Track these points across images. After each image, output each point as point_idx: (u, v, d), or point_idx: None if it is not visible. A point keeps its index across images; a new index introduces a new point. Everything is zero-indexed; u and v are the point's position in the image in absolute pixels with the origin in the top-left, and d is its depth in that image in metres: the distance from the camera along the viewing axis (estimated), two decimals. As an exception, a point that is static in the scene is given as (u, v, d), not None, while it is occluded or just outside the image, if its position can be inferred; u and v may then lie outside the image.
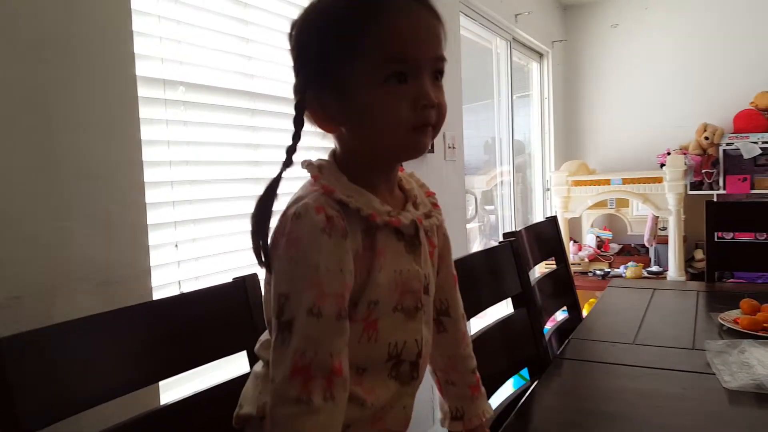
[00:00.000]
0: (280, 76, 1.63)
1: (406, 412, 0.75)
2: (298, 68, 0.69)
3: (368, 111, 0.65)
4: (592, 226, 4.07)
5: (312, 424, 0.58)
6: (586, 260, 3.85)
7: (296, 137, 0.69)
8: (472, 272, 1.29)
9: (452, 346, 0.85)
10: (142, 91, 1.24)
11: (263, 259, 0.66)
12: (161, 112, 1.30)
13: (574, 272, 3.74)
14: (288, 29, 0.71)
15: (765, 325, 1.41)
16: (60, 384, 0.72)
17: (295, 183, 0.73)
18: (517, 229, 1.59)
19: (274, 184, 0.68)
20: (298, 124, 0.68)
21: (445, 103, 0.68)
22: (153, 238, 1.25)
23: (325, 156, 0.74)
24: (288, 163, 0.68)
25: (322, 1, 0.68)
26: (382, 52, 0.63)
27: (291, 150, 0.69)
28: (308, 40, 0.67)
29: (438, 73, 0.67)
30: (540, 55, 4.09)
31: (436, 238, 0.79)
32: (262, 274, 1.06)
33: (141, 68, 1.23)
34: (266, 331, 0.76)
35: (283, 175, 0.68)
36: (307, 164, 0.70)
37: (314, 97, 0.67)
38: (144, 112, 1.24)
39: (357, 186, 0.67)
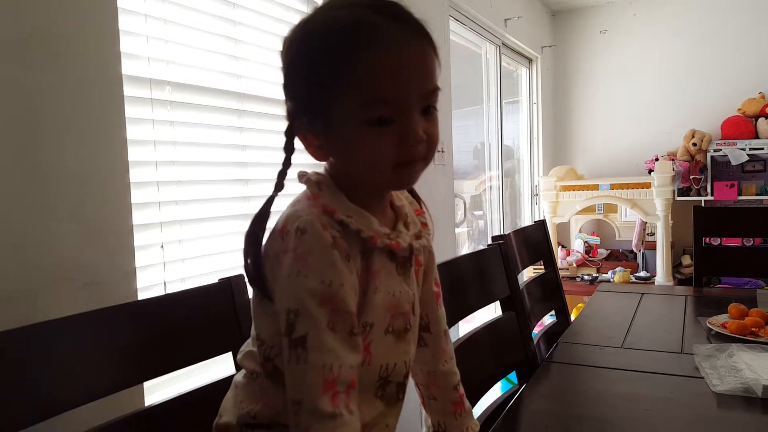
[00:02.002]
0: (269, 77, 1.62)
1: (389, 431, 0.74)
2: (287, 95, 0.67)
3: (352, 150, 0.63)
4: (580, 231, 4.08)
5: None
6: (574, 265, 3.86)
7: (287, 163, 0.68)
8: (460, 275, 1.28)
9: (432, 362, 0.83)
10: (129, 90, 1.22)
11: (257, 278, 0.65)
12: (147, 112, 1.29)
13: (562, 277, 3.74)
14: (280, 46, 0.68)
15: (753, 329, 1.41)
16: (37, 385, 0.71)
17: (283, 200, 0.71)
18: (506, 233, 1.59)
19: (268, 206, 0.67)
20: (289, 149, 0.67)
21: (437, 133, 0.65)
22: (139, 239, 1.23)
23: (313, 168, 0.72)
24: (279, 187, 0.68)
25: (314, 19, 0.64)
26: (363, 94, 0.60)
27: (282, 174, 0.68)
28: (292, 69, 0.65)
29: (430, 107, 0.64)
30: (529, 61, 4.11)
31: (422, 256, 0.77)
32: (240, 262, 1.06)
33: (127, 67, 1.21)
34: (249, 341, 0.75)
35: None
36: (306, 179, 0.68)
37: (303, 126, 0.65)
38: (130, 111, 1.22)
39: (356, 206, 0.66)
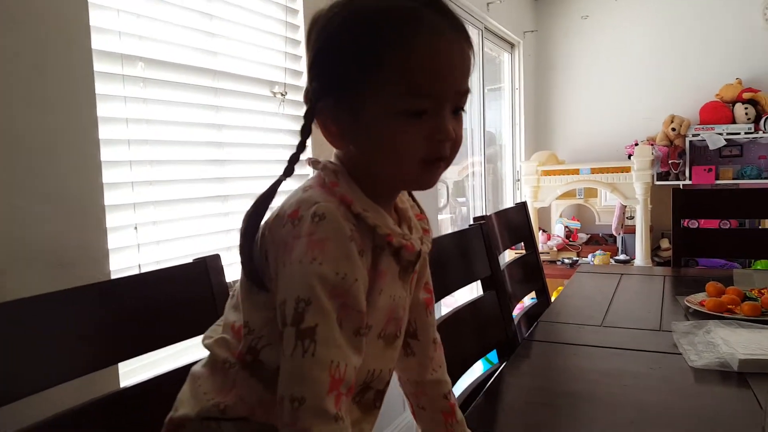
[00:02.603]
0: (246, 54, 1.58)
1: None
2: (314, 74, 0.63)
3: (379, 140, 0.60)
4: (560, 216, 4.11)
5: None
6: (555, 249, 3.88)
7: (301, 146, 0.64)
8: (442, 253, 1.27)
9: (419, 371, 0.80)
10: (99, 66, 1.19)
11: (252, 263, 0.61)
12: (119, 89, 1.25)
13: (543, 261, 3.77)
14: (309, 23, 0.64)
15: (729, 306, 1.43)
16: (5, 365, 0.68)
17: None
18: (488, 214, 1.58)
19: (275, 187, 0.64)
20: (306, 132, 0.63)
21: (462, 135, 0.64)
22: (111, 220, 1.20)
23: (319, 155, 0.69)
24: (289, 172, 0.64)
25: (354, 1, 0.61)
26: (405, 83, 0.58)
27: (294, 159, 0.64)
28: (328, 46, 0.61)
29: (459, 108, 0.63)
30: (511, 46, 4.10)
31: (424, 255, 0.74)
32: (224, 255, 1.04)
33: (97, 42, 1.18)
34: (216, 327, 0.72)
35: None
36: (321, 166, 0.64)
37: (327, 109, 0.62)
38: (101, 88, 1.19)
39: (371, 201, 0.63)
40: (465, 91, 0.62)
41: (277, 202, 0.65)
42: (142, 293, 0.87)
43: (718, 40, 3.87)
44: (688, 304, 1.47)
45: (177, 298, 0.92)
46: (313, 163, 0.65)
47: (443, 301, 1.20)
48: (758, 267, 3.31)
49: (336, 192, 0.60)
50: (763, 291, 1.50)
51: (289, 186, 0.68)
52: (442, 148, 0.61)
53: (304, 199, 0.60)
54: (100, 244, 1.17)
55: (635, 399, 1.00)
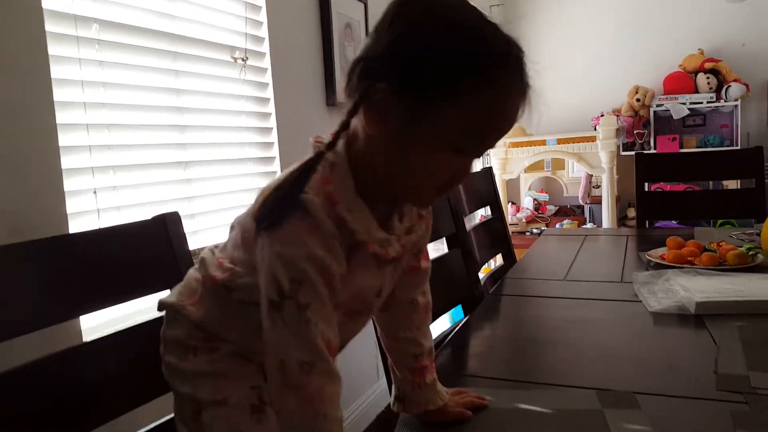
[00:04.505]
0: (205, 18, 1.56)
1: None
2: (390, 56, 0.59)
3: (415, 156, 0.61)
4: (529, 189, 4.15)
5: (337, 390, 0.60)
6: (524, 221, 3.93)
7: (346, 126, 0.63)
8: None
9: (393, 327, 0.80)
10: (51, 26, 1.16)
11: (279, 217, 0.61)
12: (73, 51, 1.22)
13: (512, 232, 3.82)
14: (396, 5, 0.61)
15: (689, 258, 1.47)
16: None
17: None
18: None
19: (314, 163, 0.62)
20: (352, 113, 0.62)
21: None
22: (69, 184, 1.18)
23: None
24: (332, 146, 0.63)
25: (462, 10, 0.60)
26: (469, 124, 0.58)
27: (338, 135, 0.63)
28: (411, 44, 0.58)
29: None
30: (477, 20, 4.09)
31: (406, 256, 0.75)
32: (187, 223, 1.02)
33: (48, 1, 1.14)
34: (211, 248, 0.79)
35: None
36: (324, 149, 0.63)
37: (384, 94, 0.59)
38: (54, 49, 1.16)
39: (359, 199, 0.64)
40: None
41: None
42: (101, 248, 0.86)
43: (680, 11, 3.93)
44: (650, 258, 1.51)
45: (137, 254, 0.91)
46: (315, 144, 0.64)
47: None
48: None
49: (326, 189, 0.61)
50: (721, 243, 1.54)
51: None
52: (457, 186, 0.65)
53: (299, 178, 0.61)
54: (59, 208, 1.15)
55: (596, 341, 1.03)
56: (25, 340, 0.72)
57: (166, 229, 0.95)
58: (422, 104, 0.58)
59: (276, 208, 0.60)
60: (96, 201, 1.25)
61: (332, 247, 0.60)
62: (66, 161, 1.17)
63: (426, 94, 0.58)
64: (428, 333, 0.83)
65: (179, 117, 1.48)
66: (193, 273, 0.78)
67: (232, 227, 0.74)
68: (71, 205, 1.18)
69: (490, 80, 0.58)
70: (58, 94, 1.16)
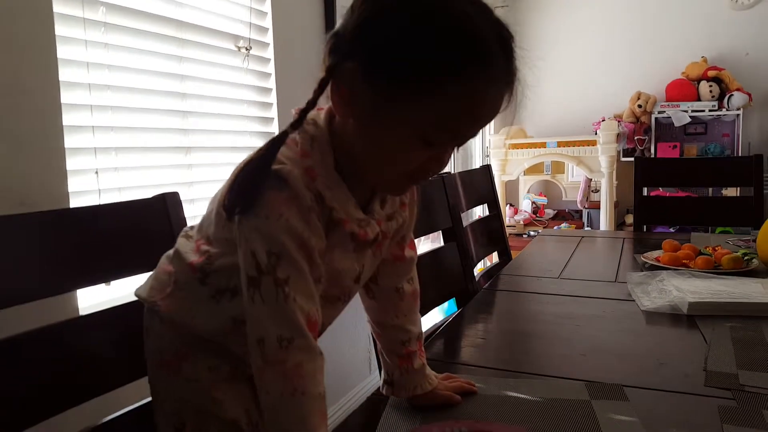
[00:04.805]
0: (210, 7, 1.57)
1: None
2: (358, 37, 0.57)
3: (381, 142, 0.59)
4: (528, 191, 4.16)
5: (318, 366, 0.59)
6: (522, 224, 3.94)
7: (312, 104, 0.60)
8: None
9: (380, 313, 0.80)
10: (58, 7, 1.17)
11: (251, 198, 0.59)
12: (80, 32, 1.23)
13: (510, 234, 3.83)
14: None
15: (684, 261, 1.47)
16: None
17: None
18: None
19: (279, 141, 0.60)
20: (322, 88, 0.59)
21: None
22: (72, 163, 1.19)
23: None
24: (297, 124, 0.61)
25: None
26: (441, 118, 0.56)
27: (304, 113, 0.61)
28: (390, 25, 0.55)
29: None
30: (482, 21, 4.10)
31: (387, 240, 0.73)
32: (184, 196, 1.03)
33: (56, -17, 1.16)
34: (190, 227, 0.76)
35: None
36: (302, 129, 0.62)
37: (351, 76, 0.57)
38: (60, 30, 1.17)
39: (338, 176, 0.62)
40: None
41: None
42: (100, 224, 0.87)
43: (684, 18, 3.94)
44: (644, 260, 1.51)
45: (136, 231, 0.91)
46: (296, 117, 0.62)
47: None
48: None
49: (304, 163, 0.60)
50: (717, 248, 1.55)
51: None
52: (428, 176, 0.62)
53: (274, 152, 0.59)
54: (61, 186, 1.16)
55: (587, 336, 1.03)
56: (19, 313, 0.72)
57: (166, 208, 0.96)
58: (391, 94, 0.56)
59: (249, 184, 0.58)
60: (97, 181, 1.26)
61: (310, 221, 0.59)
62: (69, 141, 1.18)
63: (396, 86, 0.56)
64: (416, 319, 0.82)
65: (182, 102, 1.50)
66: (165, 264, 0.75)
67: (210, 204, 0.72)
68: (73, 184, 1.19)
69: (468, 80, 0.55)
70: (64, 74, 1.17)
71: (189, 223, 0.97)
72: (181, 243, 0.74)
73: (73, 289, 0.88)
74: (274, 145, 0.59)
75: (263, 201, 0.57)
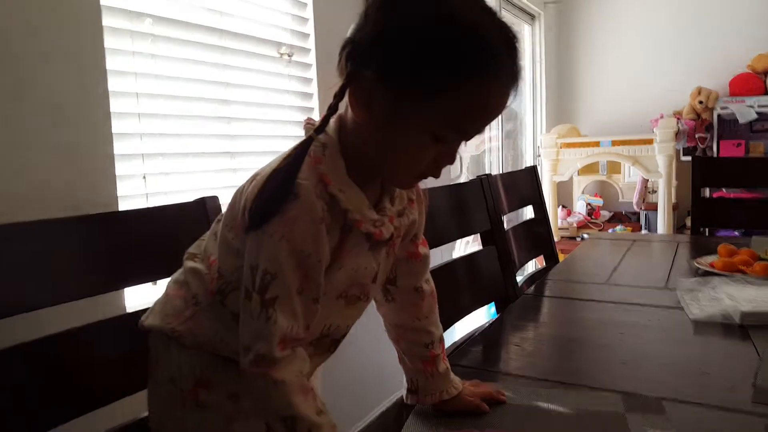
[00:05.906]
0: (252, 15, 1.60)
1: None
2: (378, 46, 0.59)
3: (394, 142, 0.61)
4: (582, 192, 4.05)
5: (296, 367, 0.61)
6: (575, 226, 3.83)
7: (334, 109, 0.63)
8: (435, 206, 1.27)
9: (400, 316, 0.80)
10: (107, 20, 1.22)
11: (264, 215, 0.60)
12: (128, 44, 1.28)
13: (562, 237, 3.74)
14: None
15: (741, 267, 1.40)
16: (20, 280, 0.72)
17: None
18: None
19: (303, 151, 0.61)
20: (340, 96, 0.62)
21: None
22: (120, 169, 1.24)
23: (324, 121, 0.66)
24: (320, 130, 0.63)
25: (458, 4, 0.59)
26: (450, 117, 0.59)
27: (326, 119, 0.63)
28: (399, 37, 0.58)
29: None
30: (532, 17, 4.03)
31: (399, 238, 0.74)
32: (222, 197, 1.06)
33: (105, -2, 1.21)
34: (200, 241, 0.76)
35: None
36: (313, 134, 0.63)
37: (368, 81, 0.59)
38: (110, 42, 1.22)
39: (350, 180, 0.64)
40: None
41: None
42: (144, 226, 0.90)
43: (749, 6, 3.73)
44: (698, 265, 1.45)
45: (176, 233, 0.94)
46: (306, 127, 0.65)
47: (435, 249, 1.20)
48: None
49: (318, 169, 0.61)
50: (777, 253, 1.46)
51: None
52: (440, 171, 0.64)
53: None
54: (110, 191, 1.21)
55: (630, 345, 1.00)
56: (71, 309, 0.76)
57: (205, 212, 0.99)
58: (407, 98, 0.58)
59: (270, 198, 0.59)
60: (145, 185, 1.31)
61: (318, 234, 0.60)
62: (118, 147, 1.23)
63: (412, 90, 0.58)
64: (437, 321, 0.82)
65: (226, 109, 1.53)
66: (174, 289, 0.73)
67: (218, 221, 0.72)
68: (122, 189, 1.24)
69: (478, 82, 0.57)
70: (113, 84, 1.22)
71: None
72: (191, 265, 0.73)
73: (120, 288, 0.91)
74: (299, 156, 0.61)
75: (275, 218, 0.58)
